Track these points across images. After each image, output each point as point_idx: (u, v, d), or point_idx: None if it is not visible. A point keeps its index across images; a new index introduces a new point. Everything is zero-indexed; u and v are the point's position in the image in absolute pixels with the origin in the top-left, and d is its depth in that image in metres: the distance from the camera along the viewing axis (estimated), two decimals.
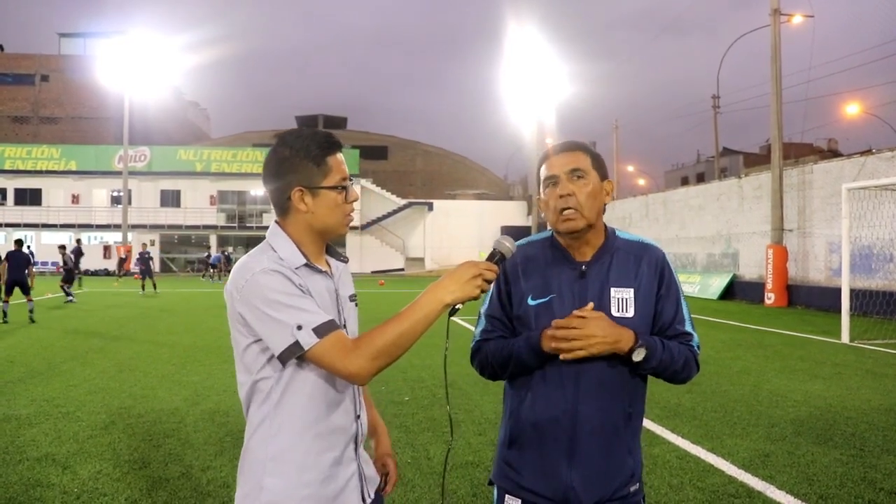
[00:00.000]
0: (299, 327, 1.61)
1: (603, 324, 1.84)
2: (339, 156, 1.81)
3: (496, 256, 1.82)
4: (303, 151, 1.76)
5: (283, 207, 1.80)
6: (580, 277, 1.96)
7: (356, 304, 1.97)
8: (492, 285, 2.00)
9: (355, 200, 1.85)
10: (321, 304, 1.72)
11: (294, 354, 1.63)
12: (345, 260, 1.96)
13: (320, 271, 1.79)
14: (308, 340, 1.61)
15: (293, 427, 1.72)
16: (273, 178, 1.79)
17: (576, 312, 1.85)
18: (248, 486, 1.73)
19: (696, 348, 2.00)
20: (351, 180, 1.83)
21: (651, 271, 1.99)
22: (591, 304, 1.88)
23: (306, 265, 1.75)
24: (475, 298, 1.75)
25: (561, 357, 1.85)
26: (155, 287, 25.76)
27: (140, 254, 25.84)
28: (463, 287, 1.69)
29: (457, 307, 1.73)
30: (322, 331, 1.62)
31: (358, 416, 1.85)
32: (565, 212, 1.93)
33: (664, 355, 1.90)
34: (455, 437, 5.71)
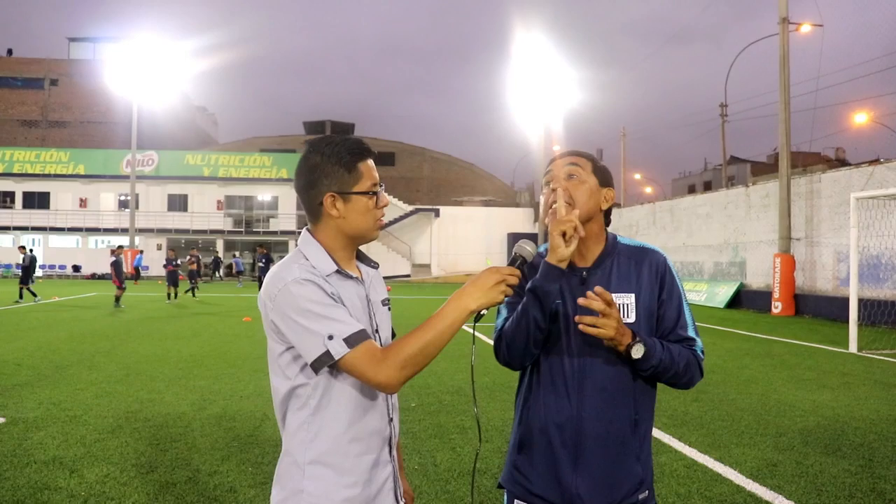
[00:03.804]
0: (330, 337, 1.63)
1: (618, 314, 1.87)
2: (370, 162, 1.83)
3: (518, 260, 1.83)
4: (334, 157, 1.78)
5: (315, 213, 1.82)
6: (581, 283, 1.98)
7: (389, 309, 1.99)
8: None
9: (386, 206, 1.87)
10: (353, 311, 1.74)
11: (325, 364, 1.65)
12: (375, 266, 1.99)
13: (351, 277, 1.81)
14: (339, 350, 1.63)
15: (331, 431, 1.74)
16: (305, 184, 1.81)
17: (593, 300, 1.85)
18: (286, 490, 1.75)
19: (699, 353, 2.00)
20: (381, 186, 1.85)
21: (652, 276, 2.00)
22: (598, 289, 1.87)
23: (337, 272, 1.77)
24: (499, 304, 1.77)
25: (580, 327, 1.85)
26: (177, 295, 24.39)
27: (168, 260, 24.45)
28: (487, 293, 1.71)
29: (482, 313, 1.75)
30: (353, 341, 1.64)
31: (391, 419, 1.87)
32: (556, 205, 1.97)
33: (664, 355, 1.91)
34: (464, 444, 5.71)
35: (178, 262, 25.05)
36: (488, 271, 1.74)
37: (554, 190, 1.99)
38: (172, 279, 23.85)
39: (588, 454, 1.92)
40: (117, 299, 20.71)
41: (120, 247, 22.88)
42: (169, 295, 23.74)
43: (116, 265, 21.36)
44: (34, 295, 21.81)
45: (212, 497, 4.46)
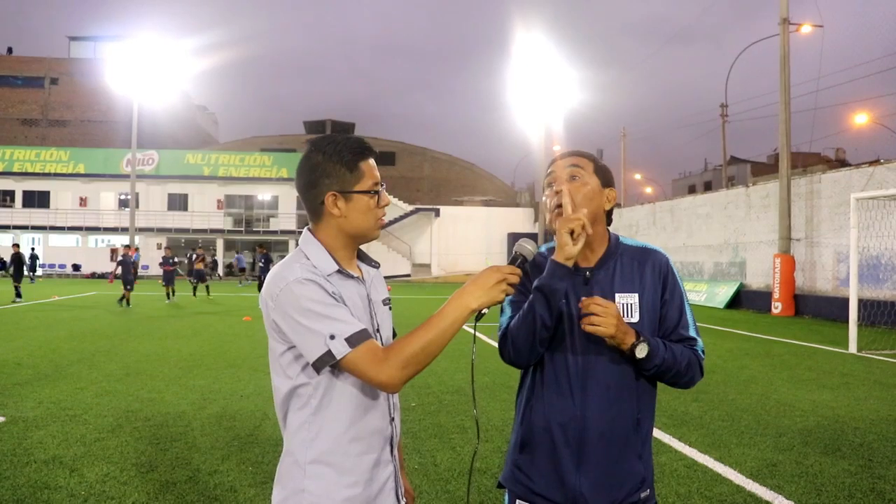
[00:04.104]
0: (332, 337, 1.63)
1: (617, 312, 1.87)
2: (371, 161, 1.83)
3: (518, 259, 1.83)
4: (336, 156, 1.78)
5: (317, 212, 1.82)
6: (585, 283, 1.99)
7: (390, 308, 1.99)
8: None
9: (387, 205, 1.87)
10: (354, 311, 1.74)
11: (327, 363, 1.65)
12: (376, 265, 1.99)
13: (353, 277, 1.81)
14: (340, 350, 1.63)
15: (333, 430, 1.74)
16: (306, 183, 1.81)
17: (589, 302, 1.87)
18: (287, 489, 1.75)
19: (700, 353, 2.01)
20: (382, 185, 1.85)
21: (655, 276, 2.01)
22: (597, 298, 1.89)
23: (338, 271, 1.77)
24: (500, 303, 1.77)
25: (583, 326, 1.86)
26: (174, 294, 23.88)
27: (165, 259, 23.64)
28: (488, 292, 1.71)
29: (483, 312, 1.75)
30: (354, 340, 1.64)
31: (392, 419, 1.86)
32: (559, 208, 1.96)
33: (667, 355, 1.92)
34: (464, 444, 5.71)
35: (176, 260, 24.36)
36: (489, 270, 1.74)
37: (557, 192, 1.98)
38: (169, 279, 23.32)
39: (591, 453, 1.92)
40: (122, 298, 20.41)
41: (127, 246, 22.69)
42: (168, 294, 23.37)
43: (124, 265, 20.69)
44: (18, 295, 21.58)
45: (212, 496, 4.47)
